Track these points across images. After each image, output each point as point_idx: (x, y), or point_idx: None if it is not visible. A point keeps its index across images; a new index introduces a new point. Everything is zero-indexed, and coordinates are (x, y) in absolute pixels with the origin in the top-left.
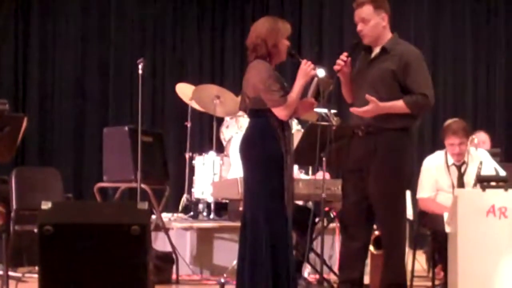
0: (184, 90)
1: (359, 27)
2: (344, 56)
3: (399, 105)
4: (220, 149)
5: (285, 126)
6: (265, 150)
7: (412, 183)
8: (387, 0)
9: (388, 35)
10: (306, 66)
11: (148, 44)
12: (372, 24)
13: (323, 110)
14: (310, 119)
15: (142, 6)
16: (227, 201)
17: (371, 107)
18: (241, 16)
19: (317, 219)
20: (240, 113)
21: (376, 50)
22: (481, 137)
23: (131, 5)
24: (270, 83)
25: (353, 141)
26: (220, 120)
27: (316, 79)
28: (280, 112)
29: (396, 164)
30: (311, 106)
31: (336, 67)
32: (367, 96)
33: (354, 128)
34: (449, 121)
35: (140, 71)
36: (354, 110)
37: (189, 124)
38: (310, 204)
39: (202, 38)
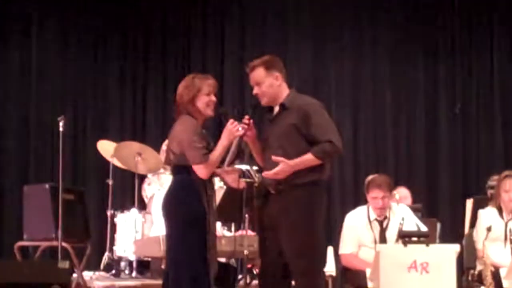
0: (106, 147)
1: (255, 90)
2: (246, 119)
3: (308, 158)
4: (142, 206)
5: (207, 183)
6: (188, 208)
7: (333, 238)
8: (278, 58)
9: (285, 92)
10: (231, 126)
11: (69, 100)
12: (266, 85)
13: (245, 167)
14: None
15: (63, 62)
16: (149, 259)
17: (281, 168)
18: (163, 72)
19: (240, 276)
20: (162, 170)
21: (276, 109)
22: (403, 193)
23: (52, 61)
24: (193, 140)
25: (266, 199)
26: (142, 177)
27: (238, 138)
28: (200, 170)
29: (308, 219)
30: (234, 176)
31: (239, 133)
32: (273, 158)
33: (267, 186)
34: (372, 176)
35: (60, 129)
36: (266, 175)
37: (110, 182)
38: (233, 261)
39: (124, 95)
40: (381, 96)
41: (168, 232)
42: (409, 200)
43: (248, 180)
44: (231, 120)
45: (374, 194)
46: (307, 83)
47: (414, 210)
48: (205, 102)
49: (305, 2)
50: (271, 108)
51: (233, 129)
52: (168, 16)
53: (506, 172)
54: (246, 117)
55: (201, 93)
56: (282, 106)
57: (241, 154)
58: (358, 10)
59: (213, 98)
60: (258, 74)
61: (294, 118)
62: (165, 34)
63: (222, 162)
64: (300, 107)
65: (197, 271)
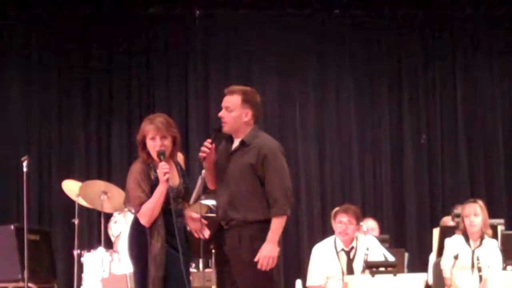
0: (71, 187)
1: (222, 113)
2: (208, 143)
3: (276, 224)
4: (109, 245)
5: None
6: (137, 250)
7: (301, 271)
8: (258, 96)
9: (249, 128)
10: (159, 171)
11: (33, 140)
12: (235, 115)
13: (211, 202)
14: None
15: (26, 101)
16: None
17: (263, 255)
18: (127, 112)
19: None
20: (127, 208)
21: (236, 143)
22: (370, 224)
23: (14, 100)
24: (133, 187)
25: (221, 233)
26: (108, 216)
27: (203, 172)
28: (140, 218)
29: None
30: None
31: (201, 155)
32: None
33: (220, 220)
34: None
35: (24, 169)
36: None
37: (76, 221)
38: None
39: (88, 134)
40: (346, 129)
41: (132, 270)
42: (376, 231)
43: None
44: (160, 164)
45: (339, 218)
46: (272, 118)
47: (382, 241)
48: (150, 147)
49: (269, 38)
50: (230, 138)
51: (160, 174)
52: (131, 55)
53: (470, 199)
54: (208, 140)
55: (147, 137)
56: (243, 142)
57: (206, 191)
58: (321, 46)
59: (158, 142)
60: (233, 100)
61: (252, 158)
62: (129, 72)
63: (187, 199)
64: (260, 147)
65: None
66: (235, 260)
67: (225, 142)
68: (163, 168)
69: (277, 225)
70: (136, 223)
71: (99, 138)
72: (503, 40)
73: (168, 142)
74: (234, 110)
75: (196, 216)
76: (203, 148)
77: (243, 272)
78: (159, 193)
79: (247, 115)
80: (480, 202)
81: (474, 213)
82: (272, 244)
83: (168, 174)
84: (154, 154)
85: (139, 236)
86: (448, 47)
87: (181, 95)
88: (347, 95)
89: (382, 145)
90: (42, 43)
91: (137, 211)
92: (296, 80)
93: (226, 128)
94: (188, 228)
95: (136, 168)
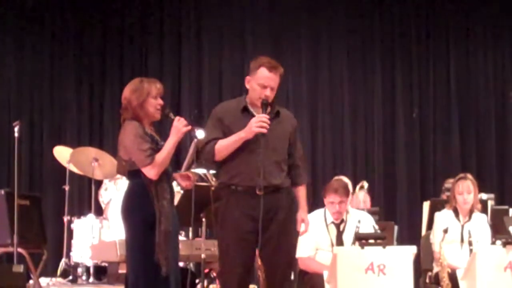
0: (62, 153)
1: (268, 92)
2: (265, 117)
3: (304, 192)
4: (99, 211)
5: (165, 185)
6: (139, 212)
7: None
8: None
9: None
10: (178, 123)
11: (25, 106)
12: (275, 91)
13: (202, 171)
14: None
15: (18, 67)
16: (106, 264)
17: (307, 222)
18: (119, 78)
19: (197, 280)
20: (118, 175)
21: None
22: (361, 197)
23: (7, 65)
24: (137, 142)
25: (253, 199)
26: (99, 183)
27: (195, 140)
28: (148, 172)
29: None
30: (188, 178)
31: (262, 130)
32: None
33: (260, 185)
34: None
35: (16, 134)
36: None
37: (67, 187)
38: (190, 265)
39: (80, 100)
40: (338, 101)
41: (126, 236)
42: (368, 204)
43: (204, 184)
44: (177, 118)
45: (330, 199)
46: None
47: (372, 213)
48: (154, 105)
49: (262, 6)
50: (245, 108)
51: (179, 126)
52: (125, 19)
53: (461, 175)
54: (266, 116)
55: (150, 96)
56: (278, 113)
57: (198, 159)
58: (315, 16)
59: (160, 101)
60: (276, 80)
61: (288, 127)
62: (122, 38)
63: (179, 167)
64: (290, 118)
65: (152, 273)
66: (281, 224)
67: (242, 115)
68: (179, 120)
69: (304, 194)
70: (135, 187)
71: (91, 106)
72: (496, 16)
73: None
74: (275, 89)
75: (185, 173)
76: (263, 124)
77: (288, 236)
78: (172, 143)
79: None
80: (471, 177)
81: (468, 191)
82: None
83: (189, 127)
84: (155, 114)
85: (140, 199)
86: (442, 22)
87: (174, 61)
88: (340, 66)
89: (375, 118)
90: (35, 8)
91: (145, 164)
92: (289, 51)
93: (270, 102)
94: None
95: (134, 126)
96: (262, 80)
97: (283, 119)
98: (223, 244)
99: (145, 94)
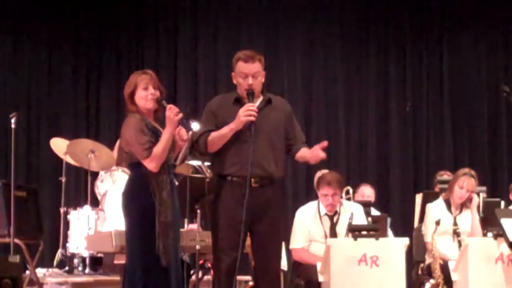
0: (59, 145)
1: (251, 81)
2: (252, 106)
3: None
4: (95, 203)
5: (165, 176)
6: (138, 203)
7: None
8: None
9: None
10: (169, 113)
11: (22, 97)
12: (260, 80)
13: (197, 163)
14: (184, 172)
15: (16, 58)
16: (102, 255)
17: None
18: (116, 69)
19: (192, 272)
20: (115, 167)
21: (257, 102)
22: (367, 192)
23: (4, 56)
24: (136, 136)
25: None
26: (95, 174)
27: (190, 132)
28: (148, 165)
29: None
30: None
31: (251, 118)
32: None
33: (255, 176)
34: (324, 172)
35: (13, 125)
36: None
37: (63, 179)
38: (185, 256)
39: (78, 92)
40: (333, 93)
41: (125, 228)
42: (372, 198)
43: (199, 176)
44: (168, 106)
45: (324, 192)
46: None
47: (365, 205)
48: (142, 96)
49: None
50: (237, 99)
51: (171, 115)
52: (121, 12)
53: (466, 170)
54: (251, 104)
55: (138, 88)
56: (269, 101)
57: (193, 150)
58: (310, 8)
59: (152, 91)
60: (257, 67)
61: (281, 114)
62: (118, 30)
63: (175, 159)
64: (283, 104)
65: (151, 264)
66: (272, 215)
67: (233, 104)
68: (170, 108)
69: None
70: (135, 179)
71: (88, 97)
72: (490, 11)
73: (158, 93)
74: (258, 76)
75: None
76: (251, 112)
77: (277, 234)
78: (168, 133)
79: (263, 77)
80: (475, 175)
81: (469, 189)
82: None
83: (180, 114)
84: (146, 104)
85: (140, 191)
86: (435, 16)
87: (170, 54)
88: (335, 59)
89: (369, 111)
90: (33, 2)
91: (143, 157)
92: (284, 42)
93: (256, 93)
94: None
95: (135, 119)
96: (242, 72)
97: (275, 106)
98: (216, 232)
99: (133, 86)
